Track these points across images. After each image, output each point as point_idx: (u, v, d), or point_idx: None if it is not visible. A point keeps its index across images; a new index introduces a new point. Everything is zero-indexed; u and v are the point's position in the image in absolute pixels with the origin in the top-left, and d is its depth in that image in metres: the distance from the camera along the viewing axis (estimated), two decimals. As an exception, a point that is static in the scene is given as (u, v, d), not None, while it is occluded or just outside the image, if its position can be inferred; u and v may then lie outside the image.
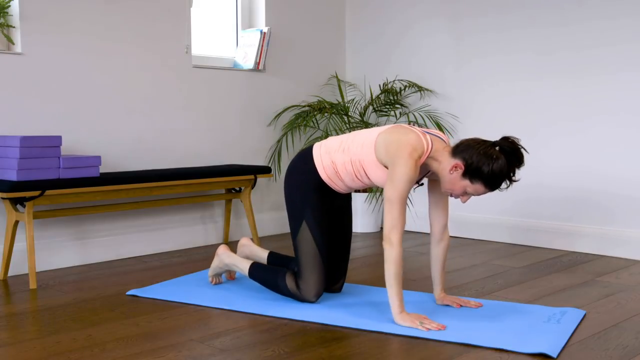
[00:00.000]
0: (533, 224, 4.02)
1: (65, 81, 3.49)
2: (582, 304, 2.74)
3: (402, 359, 2.14)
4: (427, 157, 2.51)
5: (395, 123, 2.72)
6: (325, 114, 4.46)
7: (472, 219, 4.28)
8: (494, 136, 4.16)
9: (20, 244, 3.32)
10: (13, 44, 3.36)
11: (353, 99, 4.67)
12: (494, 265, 3.49)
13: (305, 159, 2.76)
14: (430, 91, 4.45)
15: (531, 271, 3.35)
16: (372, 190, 4.41)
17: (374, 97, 4.56)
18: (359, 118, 4.54)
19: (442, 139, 2.59)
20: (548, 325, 2.42)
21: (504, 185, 2.47)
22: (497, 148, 2.44)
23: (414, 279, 3.19)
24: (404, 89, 4.47)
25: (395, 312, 2.44)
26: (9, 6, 3.30)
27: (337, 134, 4.50)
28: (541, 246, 3.97)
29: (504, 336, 2.30)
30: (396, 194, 2.43)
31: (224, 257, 2.97)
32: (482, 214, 4.25)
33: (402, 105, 4.51)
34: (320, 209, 2.72)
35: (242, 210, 4.29)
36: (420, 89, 4.43)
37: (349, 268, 3.43)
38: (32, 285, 3.05)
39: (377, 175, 2.60)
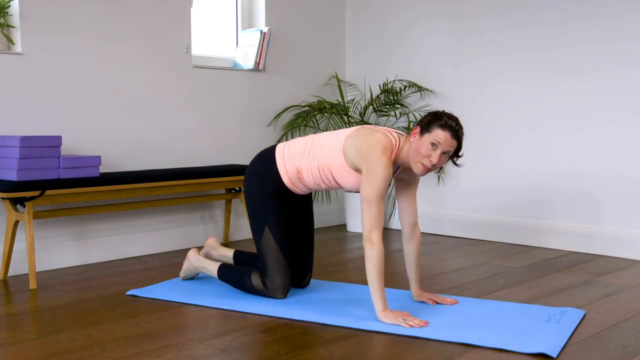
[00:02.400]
0: (533, 224, 4.02)
1: (65, 81, 3.49)
2: (582, 304, 2.74)
3: (402, 359, 2.14)
4: (396, 152, 2.57)
5: (375, 125, 2.77)
6: (325, 114, 4.46)
7: (472, 219, 4.28)
8: (494, 136, 4.17)
9: (20, 244, 3.32)
10: (13, 44, 3.36)
11: (353, 99, 4.67)
12: (494, 265, 3.49)
13: (266, 161, 2.79)
14: (430, 91, 4.45)
15: (531, 271, 3.35)
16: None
17: (374, 97, 4.56)
18: (359, 118, 4.54)
19: (402, 134, 2.66)
20: (548, 325, 2.42)
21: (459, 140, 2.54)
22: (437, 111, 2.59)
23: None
24: (404, 89, 4.47)
25: (378, 310, 2.47)
26: (9, 6, 3.30)
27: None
28: (541, 246, 3.97)
29: (504, 336, 2.30)
30: (374, 193, 2.47)
31: (193, 260, 3.04)
32: (482, 214, 4.25)
33: (402, 105, 4.51)
34: (282, 214, 2.78)
35: (242, 210, 4.29)
36: (420, 89, 4.43)
37: (348, 268, 3.43)
38: (32, 285, 3.05)
39: (347, 180, 2.64)
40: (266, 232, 2.76)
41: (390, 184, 2.72)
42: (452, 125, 2.50)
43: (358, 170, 2.59)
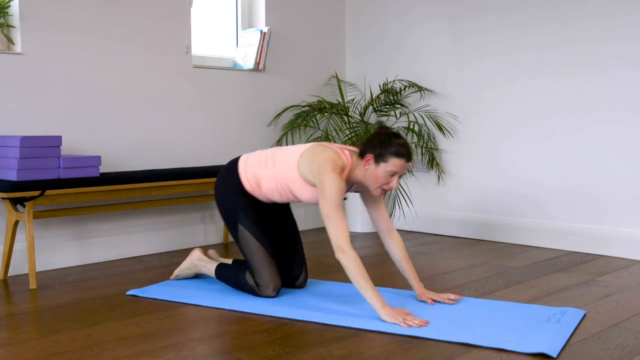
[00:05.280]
0: (533, 224, 4.02)
1: (65, 81, 3.49)
2: (582, 304, 2.74)
3: (402, 359, 2.14)
4: (349, 170, 2.66)
5: (319, 142, 2.87)
6: (325, 114, 4.46)
7: (472, 219, 4.28)
8: (494, 136, 4.17)
9: (20, 244, 3.32)
10: (13, 44, 3.36)
11: (353, 99, 4.67)
12: (494, 265, 3.49)
13: (230, 171, 2.89)
14: (431, 91, 4.45)
15: (531, 271, 3.35)
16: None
17: (374, 97, 4.56)
18: (359, 118, 4.54)
19: (355, 152, 2.73)
20: (548, 325, 2.42)
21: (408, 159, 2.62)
22: (381, 131, 2.67)
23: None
24: (404, 89, 4.47)
25: (377, 308, 2.48)
26: (9, 6, 3.30)
27: (337, 134, 4.51)
28: (541, 246, 3.97)
29: (504, 336, 2.30)
30: (330, 206, 2.55)
31: (195, 256, 3.09)
32: (482, 214, 4.25)
33: (402, 105, 4.51)
34: (250, 208, 2.84)
35: (242, 210, 4.29)
36: (420, 88, 4.43)
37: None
38: (32, 285, 3.05)
39: (304, 192, 2.73)
40: (240, 230, 2.82)
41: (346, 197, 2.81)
42: (404, 152, 2.60)
43: (313, 185, 2.68)
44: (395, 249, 2.81)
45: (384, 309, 2.47)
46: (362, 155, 2.65)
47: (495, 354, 2.17)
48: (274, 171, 2.77)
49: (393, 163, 2.58)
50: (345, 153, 2.69)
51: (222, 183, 2.91)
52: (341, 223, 2.53)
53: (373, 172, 2.61)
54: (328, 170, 2.59)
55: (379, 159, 2.59)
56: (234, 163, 2.90)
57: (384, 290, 2.92)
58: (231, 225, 2.86)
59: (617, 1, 3.64)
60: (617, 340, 2.30)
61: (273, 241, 2.91)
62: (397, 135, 2.64)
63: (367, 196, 2.82)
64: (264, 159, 2.82)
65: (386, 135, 2.62)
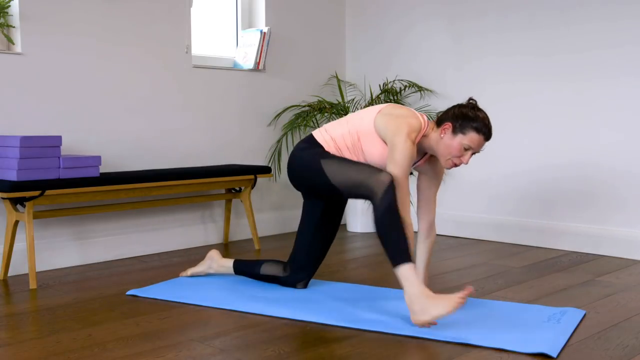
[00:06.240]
0: (533, 224, 4.02)
1: (65, 81, 3.49)
2: (582, 304, 2.74)
3: (402, 358, 2.14)
4: (422, 135, 2.60)
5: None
6: (325, 114, 4.46)
7: (472, 219, 4.28)
8: (494, 136, 4.17)
9: (20, 244, 3.32)
10: (13, 44, 3.36)
11: (353, 99, 4.67)
12: (494, 265, 3.49)
13: (307, 141, 2.78)
14: (430, 91, 4.45)
15: (531, 271, 3.35)
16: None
17: (374, 97, 4.56)
18: (359, 118, 4.54)
19: (432, 119, 2.69)
20: (548, 325, 2.42)
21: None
22: (468, 104, 2.61)
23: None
24: (404, 89, 4.47)
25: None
26: (9, 6, 3.30)
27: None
28: (541, 246, 3.97)
29: (504, 336, 2.30)
30: (398, 172, 2.49)
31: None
32: (482, 214, 4.25)
33: (402, 105, 4.51)
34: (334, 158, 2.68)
35: (242, 210, 4.29)
36: (420, 89, 4.44)
37: (348, 268, 3.43)
38: (32, 285, 3.05)
39: (373, 148, 2.64)
40: (325, 164, 2.62)
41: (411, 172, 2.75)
42: (486, 130, 2.54)
43: (384, 141, 2.61)
44: (428, 246, 2.78)
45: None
46: (439, 123, 2.58)
47: (495, 354, 2.17)
48: (347, 126, 2.70)
49: (471, 137, 2.52)
50: (423, 117, 2.63)
51: (302, 150, 2.74)
52: (405, 193, 2.49)
53: (448, 141, 2.54)
54: (404, 133, 2.51)
55: (457, 129, 2.53)
56: (309, 135, 2.80)
57: (384, 290, 2.93)
58: (317, 174, 2.64)
59: (617, 4, 3.64)
60: (617, 340, 2.30)
61: (326, 231, 2.88)
62: (482, 111, 2.57)
63: (424, 182, 2.76)
64: (337, 122, 2.76)
65: (471, 109, 2.55)
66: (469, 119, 2.53)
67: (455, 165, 2.58)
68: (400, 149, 2.51)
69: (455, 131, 2.53)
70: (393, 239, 2.40)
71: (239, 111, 4.30)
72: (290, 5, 4.56)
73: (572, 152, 3.85)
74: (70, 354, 2.19)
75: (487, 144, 2.70)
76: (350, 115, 2.77)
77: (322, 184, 2.64)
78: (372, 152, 2.65)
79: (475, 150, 2.55)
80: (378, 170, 2.51)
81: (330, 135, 2.74)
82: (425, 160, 2.75)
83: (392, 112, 2.62)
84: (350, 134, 2.69)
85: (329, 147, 2.72)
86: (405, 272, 2.38)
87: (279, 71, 4.50)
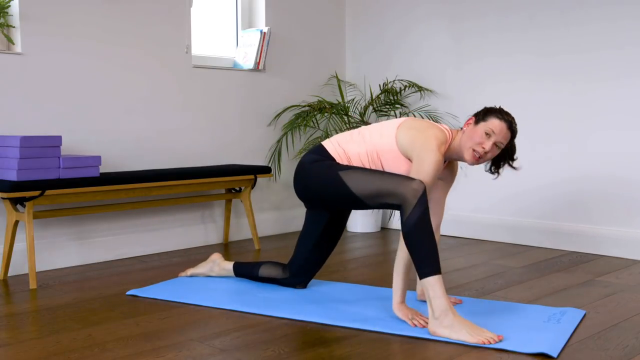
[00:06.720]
0: (533, 224, 4.02)
1: (65, 81, 3.49)
2: (582, 304, 2.74)
3: (402, 359, 2.14)
4: (448, 145, 2.59)
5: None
6: (325, 114, 4.46)
7: (472, 219, 4.28)
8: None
9: (20, 244, 3.32)
10: (13, 44, 3.36)
11: (353, 99, 4.67)
12: (494, 265, 3.49)
13: (317, 152, 2.72)
14: (430, 91, 4.45)
15: (531, 271, 3.35)
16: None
17: (374, 97, 4.56)
18: (359, 118, 4.54)
19: (454, 129, 2.69)
20: (548, 325, 2.42)
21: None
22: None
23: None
24: (404, 89, 4.47)
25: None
26: (9, 6, 3.30)
27: (337, 134, 4.51)
28: (541, 246, 3.97)
29: (504, 336, 2.30)
30: (426, 182, 2.44)
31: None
32: (482, 214, 4.25)
33: (402, 105, 4.51)
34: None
35: (242, 210, 4.29)
36: (420, 88, 4.44)
37: (348, 268, 3.43)
38: (32, 285, 3.05)
39: (396, 166, 2.59)
40: (344, 174, 2.56)
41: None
42: (508, 118, 2.54)
43: (408, 159, 2.57)
44: None
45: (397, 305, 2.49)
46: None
47: (495, 354, 2.17)
48: (364, 145, 2.64)
49: (492, 122, 2.51)
50: (447, 129, 2.62)
51: (314, 161, 2.68)
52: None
53: (470, 132, 2.54)
54: (433, 147, 2.48)
55: (479, 119, 2.55)
56: (319, 145, 2.74)
57: (384, 290, 2.93)
58: (333, 182, 2.58)
59: (617, 5, 3.64)
60: (617, 340, 2.30)
61: (329, 238, 2.89)
62: (508, 112, 2.58)
63: (437, 183, 2.72)
64: (350, 135, 2.70)
65: (495, 107, 2.60)
66: (491, 110, 2.56)
67: (479, 159, 2.52)
68: (429, 162, 2.47)
69: (477, 121, 2.55)
70: (425, 249, 2.37)
71: (239, 111, 4.30)
72: (290, 5, 4.56)
73: (572, 152, 3.85)
74: (70, 354, 2.19)
75: (517, 150, 2.66)
76: (364, 129, 2.69)
77: (342, 195, 2.56)
78: (393, 169, 2.61)
79: (497, 138, 2.50)
80: (408, 178, 2.45)
81: (344, 149, 2.68)
82: (445, 166, 2.73)
83: (415, 125, 2.58)
84: (368, 154, 2.63)
85: (342, 160, 2.67)
86: (436, 283, 2.35)
87: (279, 71, 4.50)
